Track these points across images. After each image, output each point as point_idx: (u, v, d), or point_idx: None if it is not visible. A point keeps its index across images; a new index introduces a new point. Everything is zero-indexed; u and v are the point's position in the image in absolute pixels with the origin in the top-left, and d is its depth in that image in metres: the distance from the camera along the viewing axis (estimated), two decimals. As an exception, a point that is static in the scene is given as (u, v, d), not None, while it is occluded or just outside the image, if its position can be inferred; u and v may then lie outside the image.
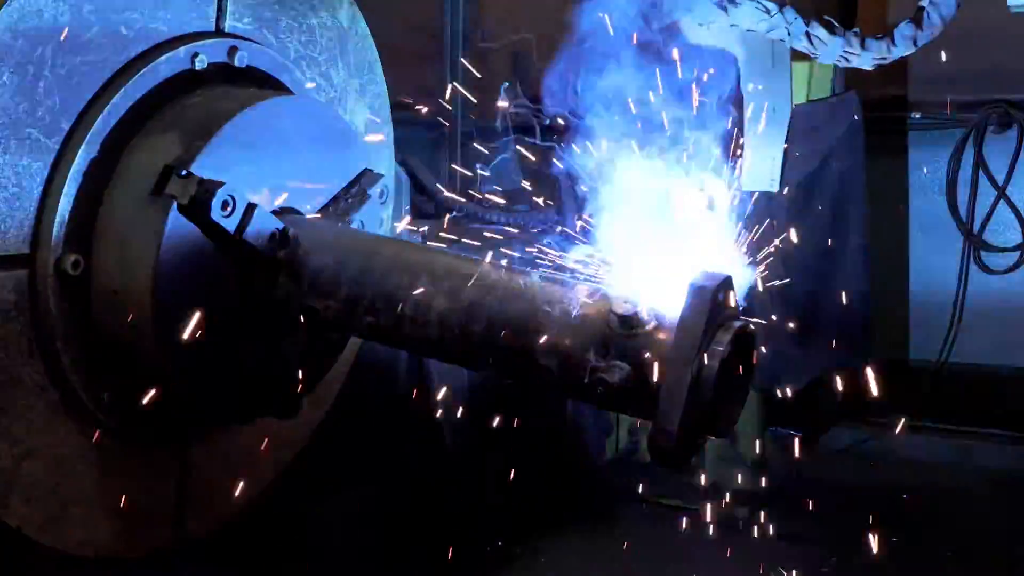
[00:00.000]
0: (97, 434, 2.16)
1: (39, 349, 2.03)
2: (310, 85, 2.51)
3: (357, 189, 2.40)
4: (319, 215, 2.33)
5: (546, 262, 2.22)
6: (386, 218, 2.73)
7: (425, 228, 3.44)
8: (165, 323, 2.05)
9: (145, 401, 2.15)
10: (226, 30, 2.30)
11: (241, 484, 2.46)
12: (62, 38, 1.99)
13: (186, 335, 2.06)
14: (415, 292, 2.03)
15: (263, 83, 2.36)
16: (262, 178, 2.19)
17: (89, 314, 2.07)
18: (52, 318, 2.03)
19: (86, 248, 2.06)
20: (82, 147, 2.04)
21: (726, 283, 1.85)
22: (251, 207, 2.07)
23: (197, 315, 2.07)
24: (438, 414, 3.22)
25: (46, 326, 2.03)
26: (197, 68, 2.22)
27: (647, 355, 1.85)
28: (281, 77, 2.42)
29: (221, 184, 2.01)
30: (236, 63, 2.29)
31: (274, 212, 2.19)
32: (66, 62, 2.00)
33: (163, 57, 2.16)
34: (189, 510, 2.41)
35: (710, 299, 1.81)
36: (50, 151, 2.01)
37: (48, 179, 2.01)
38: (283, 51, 2.45)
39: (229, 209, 2.03)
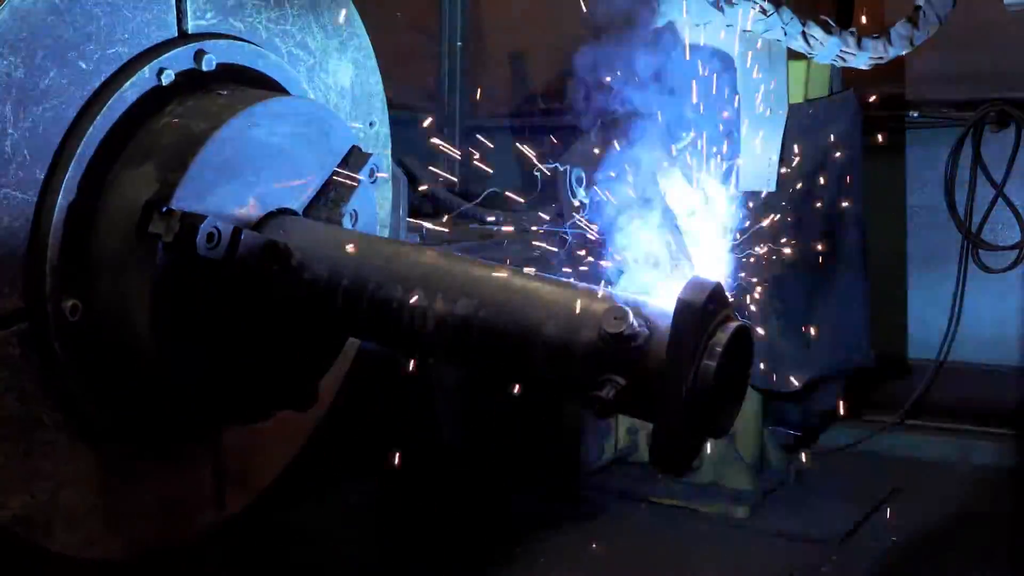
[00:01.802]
0: (123, 451, 2.19)
1: (53, 391, 2.05)
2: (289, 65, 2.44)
3: (345, 175, 2.34)
4: (309, 210, 2.30)
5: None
6: (381, 198, 2.71)
7: (424, 228, 3.45)
8: (170, 352, 2.07)
9: (164, 417, 2.19)
10: (189, 31, 2.22)
11: (272, 454, 2.50)
12: (19, 92, 1.92)
13: (192, 359, 2.08)
14: (411, 300, 2.03)
15: (237, 77, 2.30)
16: (246, 190, 2.16)
17: (96, 350, 2.08)
18: (60, 362, 2.04)
19: (82, 291, 2.04)
20: (60, 194, 2.00)
21: (716, 292, 1.83)
22: (237, 232, 2.04)
23: (200, 338, 2.09)
24: (436, 413, 3.23)
25: (55, 370, 2.04)
26: (164, 84, 2.14)
27: (641, 367, 1.84)
28: (255, 65, 2.34)
29: (204, 218, 1.98)
30: (204, 67, 2.21)
31: (266, 216, 2.18)
32: (29, 114, 1.94)
33: (128, 83, 2.08)
34: (229, 488, 2.45)
35: (699, 313, 1.80)
36: (29, 204, 1.97)
37: (32, 232, 1.98)
38: (253, 34, 2.36)
39: (215, 240, 2.00)
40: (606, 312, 1.86)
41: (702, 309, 1.79)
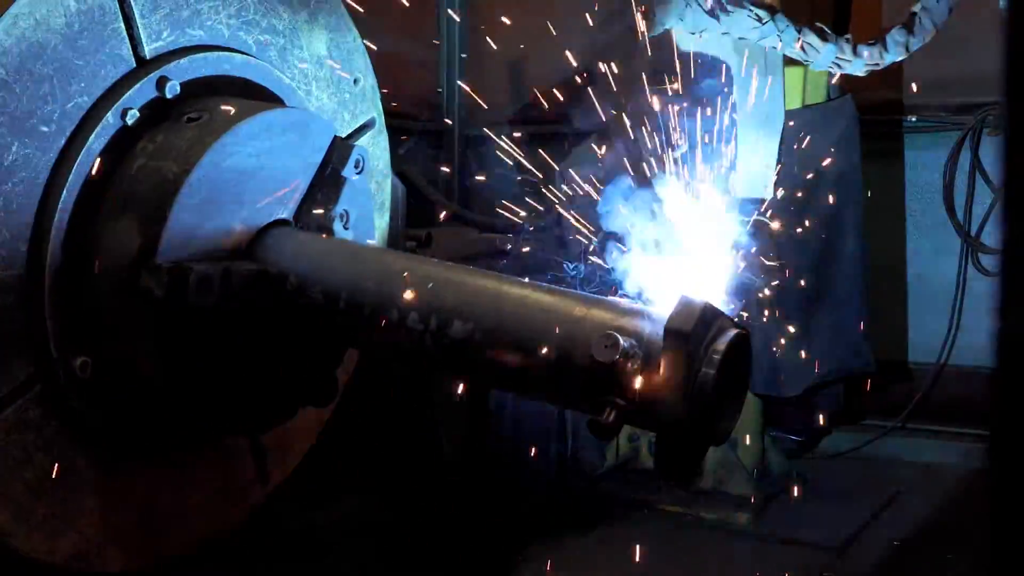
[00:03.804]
0: (162, 465, 2.27)
1: (80, 438, 2.10)
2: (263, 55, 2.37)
3: (330, 172, 2.31)
4: (300, 214, 2.29)
5: None
6: (378, 149, 2.70)
7: (423, 235, 3.46)
8: (181, 385, 2.11)
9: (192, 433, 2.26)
10: (147, 57, 2.14)
11: (303, 424, 2.53)
12: None
13: (203, 387, 2.12)
14: (407, 323, 2.04)
15: (206, 88, 2.24)
16: (231, 218, 2.14)
17: (113, 395, 2.12)
18: (81, 413, 2.09)
19: (89, 348, 2.06)
20: (47, 260, 1.99)
21: (705, 312, 1.83)
22: (227, 274, 2.05)
23: (208, 367, 2.12)
24: (436, 421, 3.23)
25: (78, 420, 2.09)
26: (130, 124, 2.09)
27: (639, 387, 1.85)
28: (221, 71, 2.29)
29: (190, 270, 1.98)
30: (168, 94, 2.15)
31: (257, 234, 2.19)
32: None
33: (93, 134, 2.03)
34: (271, 464, 2.52)
35: (687, 340, 1.80)
36: (19, 280, 1.97)
37: (27, 304, 1.99)
38: (216, 37, 2.29)
39: (206, 286, 2.01)
40: (597, 340, 1.85)
41: (689, 335, 1.79)
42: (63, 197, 2.00)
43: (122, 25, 2.08)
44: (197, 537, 2.38)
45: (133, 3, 2.10)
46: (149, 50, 2.15)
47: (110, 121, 2.06)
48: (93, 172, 2.04)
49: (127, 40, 2.10)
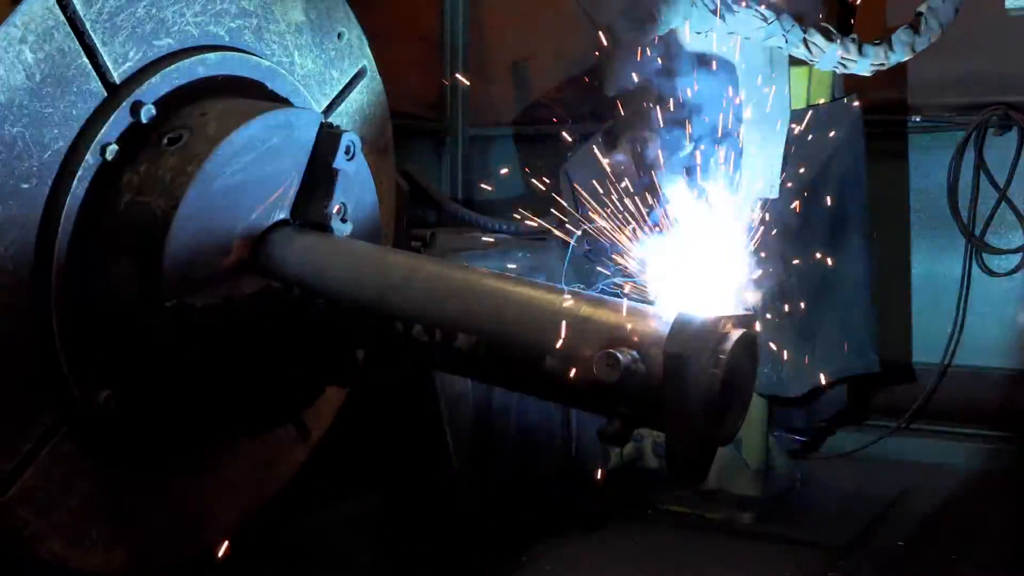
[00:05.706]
0: (203, 460, 2.35)
1: (117, 460, 2.14)
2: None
3: (321, 165, 2.26)
4: (296, 211, 2.28)
5: None
6: (371, 97, 2.69)
7: (428, 235, 3.46)
8: (207, 400, 2.13)
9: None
10: (118, 82, 2.07)
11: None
12: None
13: (229, 393, 2.16)
14: (412, 334, 2.04)
15: (184, 98, 2.19)
16: (228, 236, 2.13)
17: (143, 416, 2.14)
18: (110, 442, 2.11)
19: (109, 381, 2.07)
20: (53, 314, 1.99)
21: (703, 329, 1.81)
22: (230, 300, 2.06)
23: (229, 375, 2.14)
24: (443, 421, 3.23)
25: (110, 452, 2.12)
26: (110, 159, 2.03)
27: (643, 396, 1.85)
28: (196, 75, 2.21)
29: (192, 308, 1.99)
30: (144, 118, 2.08)
31: (257, 241, 2.18)
32: None
33: (75, 180, 1.98)
34: (309, 426, 2.62)
35: (686, 363, 1.79)
36: (29, 335, 1.98)
37: (43, 358, 2.00)
38: (186, 39, 2.20)
39: (211, 317, 2.02)
40: (598, 360, 1.83)
41: (688, 357, 1.79)
42: (56, 248, 1.99)
43: (85, 60, 2.02)
44: (251, 505, 2.44)
45: (93, 34, 2.02)
46: (118, 75, 2.08)
47: (90, 161, 2.02)
48: (82, 218, 2.01)
49: (93, 72, 2.04)
